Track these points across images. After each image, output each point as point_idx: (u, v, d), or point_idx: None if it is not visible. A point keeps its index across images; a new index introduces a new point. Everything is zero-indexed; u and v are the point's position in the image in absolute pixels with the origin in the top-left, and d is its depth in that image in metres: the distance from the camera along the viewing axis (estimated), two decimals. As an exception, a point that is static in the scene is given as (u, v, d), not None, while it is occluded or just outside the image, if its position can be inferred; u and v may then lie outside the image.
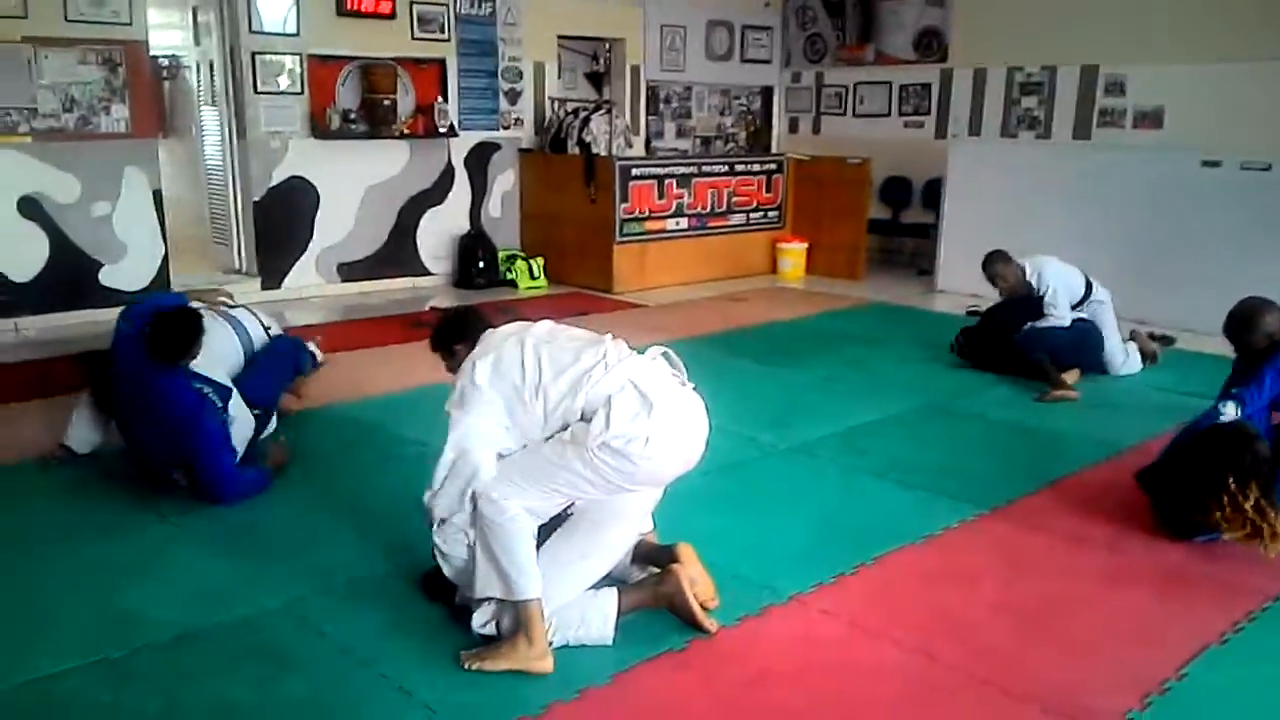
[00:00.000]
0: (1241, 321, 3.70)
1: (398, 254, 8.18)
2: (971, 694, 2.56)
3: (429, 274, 8.36)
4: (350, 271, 7.95)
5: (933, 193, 8.98)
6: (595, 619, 2.68)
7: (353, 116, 7.67)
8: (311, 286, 7.75)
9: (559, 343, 2.76)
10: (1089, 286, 5.57)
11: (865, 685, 2.59)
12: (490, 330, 2.89)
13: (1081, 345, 5.45)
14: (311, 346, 4.52)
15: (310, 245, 7.73)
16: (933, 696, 2.54)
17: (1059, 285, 5.42)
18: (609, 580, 2.82)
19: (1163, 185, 7.04)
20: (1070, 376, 5.33)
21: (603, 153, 8.34)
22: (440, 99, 8.08)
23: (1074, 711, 2.48)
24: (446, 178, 8.35)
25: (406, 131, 7.92)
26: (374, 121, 7.74)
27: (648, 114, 9.89)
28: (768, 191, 9.13)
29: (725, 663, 2.67)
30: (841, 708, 2.48)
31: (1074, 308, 5.51)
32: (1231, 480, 3.15)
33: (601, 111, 8.62)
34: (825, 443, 4.44)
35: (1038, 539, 3.49)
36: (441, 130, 8.05)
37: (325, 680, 2.57)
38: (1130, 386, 5.47)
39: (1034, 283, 5.48)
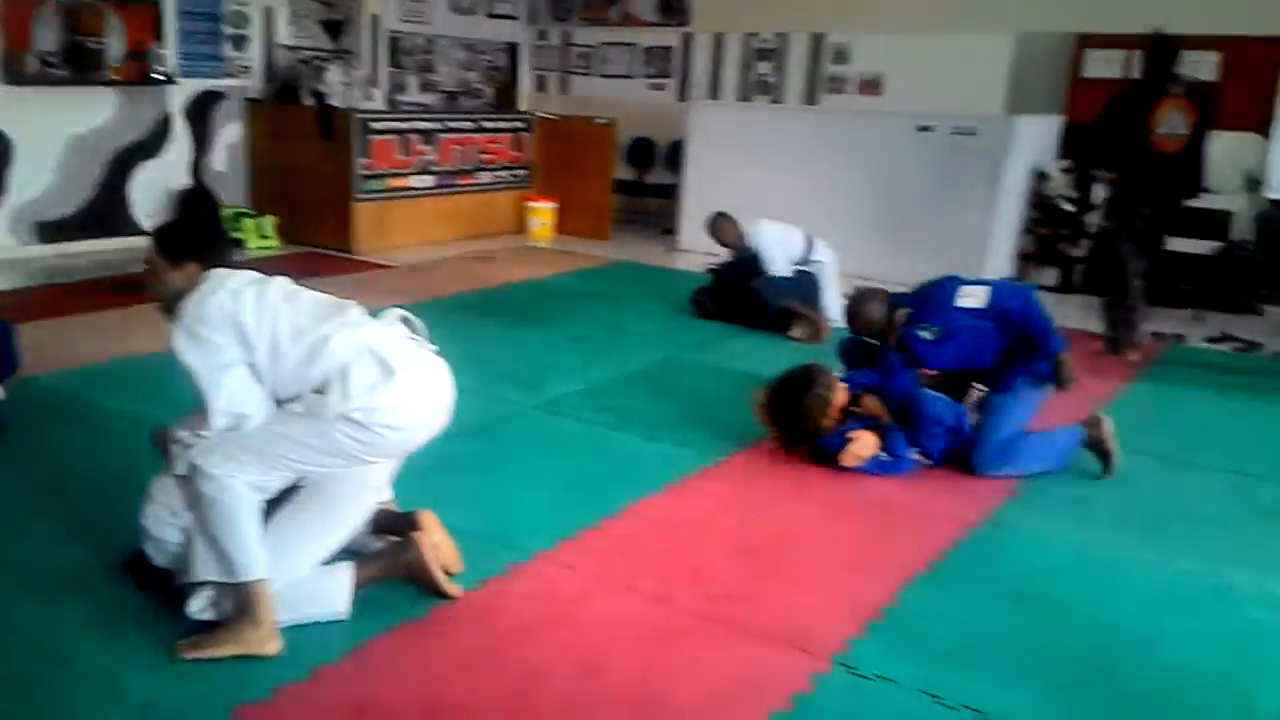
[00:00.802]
0: (849, 315, 4.06)
1: (107, 212, 7.45)
2: (707, 634, 2.64)
3: (145, 234, 7.68)
4: (51, 231, 7.17)
5: (676, 154, 9.19)
6: (328, 594, 2.56)
7: (53, 60, 6.90)
8: (4, 248, 6.94)
9: (301, 304, 2.56)
10: (810, 246, 5.93)
11: (606, 635, 2.62)
12: (224, 271, 2.58)
13: (806, 290, 5.83)
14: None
15: (1, 202, 6.92)
16: (670, 641, 2.61)
17: (771, 246, 5.84)
18: (344, 554, 2.69)
19: (883, 148, 7.51)
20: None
21: (339, 105, 7.95)
22: (155, 42, 7.41)
23: (801, 641, 2.62)
24: (162, 128, 7.68)
25: (116, 78, 7.21)
26: (79, 66, 6.99)
27: (389, 67, 9.51)
28: (516, 150, 9.04)
29: (467, 626, 2.62)
30: (584, 658, 2.50)
31: (799, 264, 5.88)
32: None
33: (338, 62, 8.20)
34: (571, 400, 4.46)
35: (767, 482, 3.66)
36: (157, 77, 7.38)
37: (26, 684, 2.31)
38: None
39: (750, 243, 5.90)
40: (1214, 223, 7.12)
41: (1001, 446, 3.70)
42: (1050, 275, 7.21)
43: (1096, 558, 3.17)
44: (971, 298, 3.79)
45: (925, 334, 3.82)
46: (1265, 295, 6.91)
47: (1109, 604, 2.89)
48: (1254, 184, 7.14)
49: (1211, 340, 6.04)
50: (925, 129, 7.35)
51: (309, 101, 7.95)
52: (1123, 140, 5.51)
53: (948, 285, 3.90)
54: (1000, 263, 7.32)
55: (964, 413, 3.80)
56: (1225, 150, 7.09)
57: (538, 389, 4.57)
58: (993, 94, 8.03)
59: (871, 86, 8.78)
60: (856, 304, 4.05)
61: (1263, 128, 7.11)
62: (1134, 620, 2.81)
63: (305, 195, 7.90)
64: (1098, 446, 3.78)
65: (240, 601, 2.43)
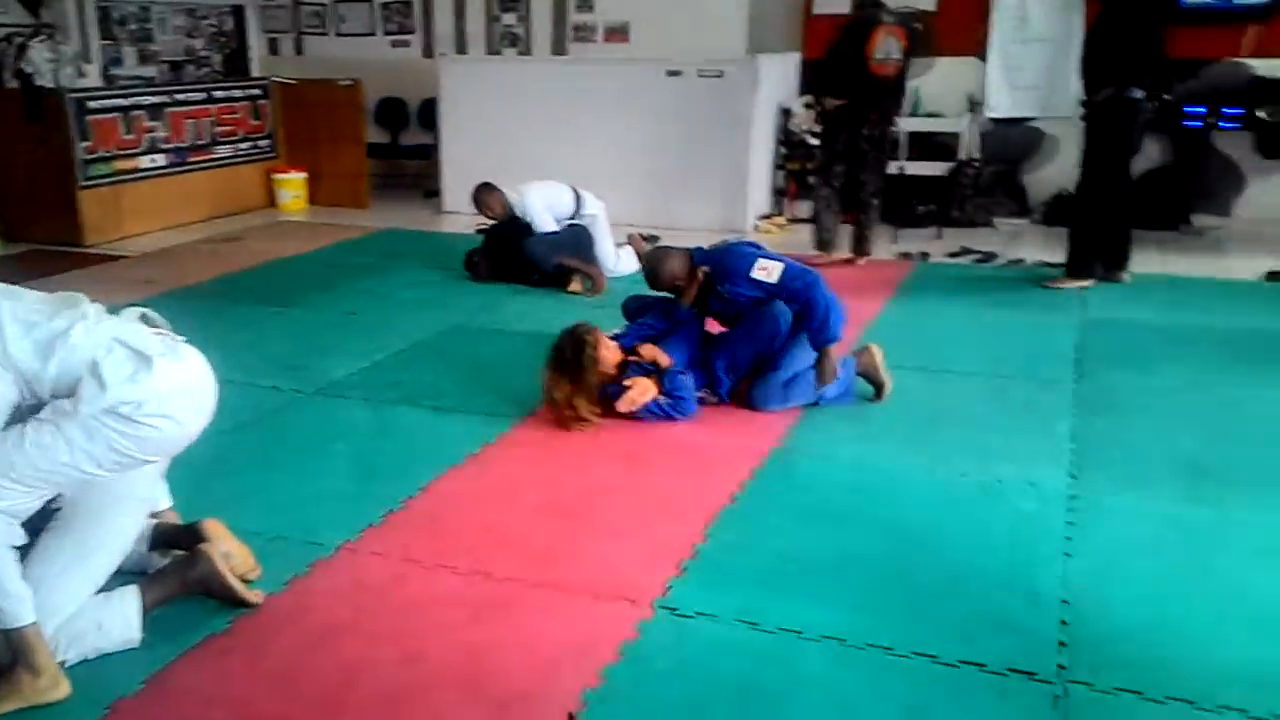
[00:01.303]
0: (648, 273, 4.08)
1: None
2: (529, 600, 2.63)
3: None
4: None
5: (429, 113, 8.93)
6: (115, 623, 2.34)
7: None
8: None
9: (25, 300, 2.25)
10: (578, 199, 5.94)
11: (425, 618, 2.56)
12: None
13: (579, 245, 5.83)
14: None
15: None
16: (493, 613, 2.57)
17: (539, 208, 5.79)
18: (127, 576, 2.48)
19: (636, 95, 7.57)
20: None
21: (49, 84, 7.19)
22: None
23: (622, 591, 2.65)
24: None
25: None
26: None
27: (101, 39, 8.67)
28: (255, 119, 8.50)
29: (274, 633, 2.49)
30: (404, 645, 2.43)
31: (569, 219, 5.89)
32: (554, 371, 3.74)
33: (41, 37, 7.40)
34: (353, 380, 4.28)
35: (567, 441, 3.66)
36: None
37: None
38: (627, 286, 5.88)
39: (518, 210, 5.83)
40: (943, 144, 7.67)
41: (783, 384, 3.85)
42: (804, 208, 7.54)
43: (879, 469, 3.38)
44: (765, 271, 3.87)
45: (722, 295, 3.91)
46: (994, 208, 7.52)
47: (896, 511, 3.09)
48: (975, 105, 7.72)
49: (952, 255, 6.52)
50: (674, 74, 7.47)
51: (13, 84, 7.14)
52: (845, 69, 5.98)
53: (747, 255, 3.96)
54: (760, 199, 7.60)
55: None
56: (947, 75, 7.65)
57: (313, 373, 4.35)
58: (735, 36, 8.23)
59: (618, 34, 8.80)
60: (657, 261, 4.05)
61: (980, 52, 7.66)
62: (920, 523, 3.01)
63: (20, 188, 7.12)
64: (869, 374, 4.00)
65: (12, 650, 2.18)
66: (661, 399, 3.79)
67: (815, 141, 7.26)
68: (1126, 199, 5.62)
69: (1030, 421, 3.77)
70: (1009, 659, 2.36)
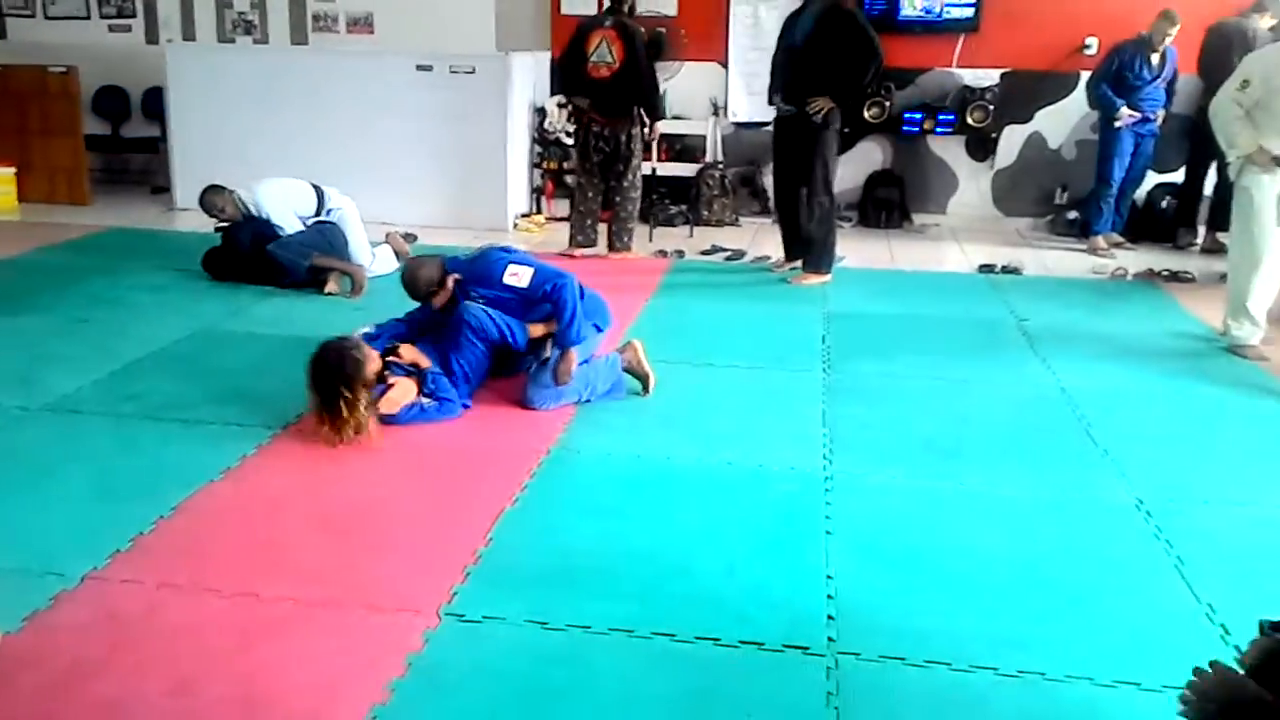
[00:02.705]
0: (406, 284, 4.06)
1: None
2: (305, 620, 2.50)
3: None
4: None
5: (154, 103, 8.30)
6: None
7: None
8: None
9: None
10: (321, 196, 5.73)
11: (191, 646, 2.38)
12: None
13: (331, 243, 5.62)
14: None
15: None
16: (266, 636, 2.43)
17: (278, 207, 5.54)
18: None
19: (385, 89, 7.35)
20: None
21: None
22: None
23: (405, 602, 2.58)
24: None
25: None
26: None
27: None
28: (-52, 108, 7.59)
29: (15, 677, 2.24)
30: (168, 678, 2.25)
31: (313, 218, 5.67)
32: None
33: None
34: (86, 394, 3.92)
35: (333, 450, 3.50)
36: None
37: None
38: (385, 285, 5.71)
39: (254, 210, 5.55)
40: (691, 147, 7.96)
41: (556, 384, 3.88)
42: (563, 207, 7.60)
43: (654, 462, 3.47)
44: (516, 277, 3.91)
45: (476, 301, 3.90)
46: (740, 208, 7.88)
47: (671, 502, 3.19)
48: (717, 109, 8.06)
49: (704, 253, 6.78)
50: (425, 68, 7.32)
51: None
52: (571, 72, 6.23)
53: (498, 261, 4.00)
54: (519, 198, 7.59)
55: (517, 326, 3.91)
56: (692, 79, 7.94)
57: (39, 388, 3.95)
58: (482, 32, 8.16)
59: (362, 25, 8.53)
60: (411, 271, 4.05)
61: (721, 58, 8.00)
62: (694, 512, 3.12)
63: None
64: (633, 369, 4.11)
65: None
66: (425, 401, 3.73)
67: (570, 141, 7.35)
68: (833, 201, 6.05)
69: (787, 409, 3.99)
70: (784, 636, 2.49)
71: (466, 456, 3.51)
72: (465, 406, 3.87)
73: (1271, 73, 4.60)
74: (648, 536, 2.96)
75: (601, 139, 6.28)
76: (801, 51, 5.76)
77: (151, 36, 8.71)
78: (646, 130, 6.43)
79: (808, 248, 6.05)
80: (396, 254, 6.04)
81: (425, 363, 3.81)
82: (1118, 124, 6.84)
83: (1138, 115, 6.82)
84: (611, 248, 6.52)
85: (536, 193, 7.89)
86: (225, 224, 5.68)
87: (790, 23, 5.93)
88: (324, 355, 3.58)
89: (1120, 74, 6.80)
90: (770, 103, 6.11)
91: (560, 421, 3.80)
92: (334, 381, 3.51)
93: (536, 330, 3.95)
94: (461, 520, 3.03)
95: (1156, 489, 3.28)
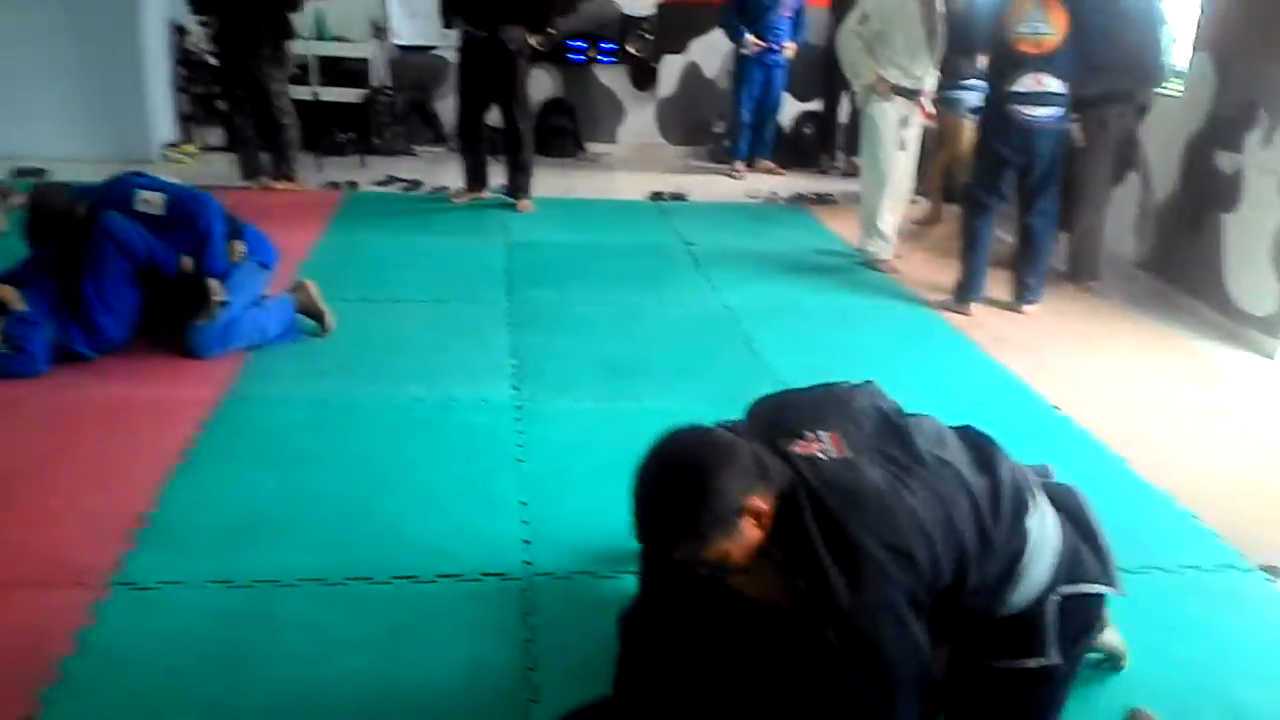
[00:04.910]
0: (32, 217, 3.62)
1: None
2: (-53, 609, 2.24)
3: None
4: None
5: None
6: None
7: None
8: None
9: None
10: None
11: None
12: None
13: None
14: None
15: None
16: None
17: None
18: None
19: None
20: None
21: None
22: None
23: (68, 575, 2.39)
24: None
25: None
26: None
27: None
28: None
29: None
30: None
31: None
32: None
33: None
34: None
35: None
36: None
37: None
38: None
39: None
40: (354, 71, 7.60)
41: (220, 328, 3.64)
42: (217, 134, 7.04)
43: (336, 405, 3.37)
44: (148, 203, 3.61)
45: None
46: (413, 136, 7.66)
47: (358, 444, 3.12)
48: (379, 31, 7.72)
49: (379, 184, 6.55)
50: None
51: None
52: None
53: (126, 185, 3.65)
54: (165, 126, 6.94)
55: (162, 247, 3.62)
56: (350, 0, 7.56)
57: None
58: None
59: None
60: (35, 199, 3.62)
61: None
62: (383, 453, 3.08)
63: None
64: (308, 309, 3.94)
65: None
66: (1, 347, 3.37)
67: (217, 63, 6.79)
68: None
69: (473, 341, 3.99)
70: (481, 565, 2.54)
71: (128, 411, 3.24)
72: (112, 342, 3.55)
73: (886, 7, 5.04)
74: (334, 482, 2.89)
75: (234, 61, 5.94)
76: None
77: None
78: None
79: (524, 174, 6.10)
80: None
81: (17, 304, 3.43)
82: (744, 52, 7.19)
83: (763, 45, 7.15)
84: (273, 178, 6.18)
85: (186, 120, 7.23)
86: None
87: None
88: None
89: (743, 5, 7.12)
90: (447, 26, 5.96)
91: (230, 369, 3.58)
92: None
93: (186, 263, 3.66)
94: (126, 481, 2.81)
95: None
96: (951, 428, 1.90)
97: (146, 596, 2.34)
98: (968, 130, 5.51)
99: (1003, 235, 5.16)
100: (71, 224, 3.54)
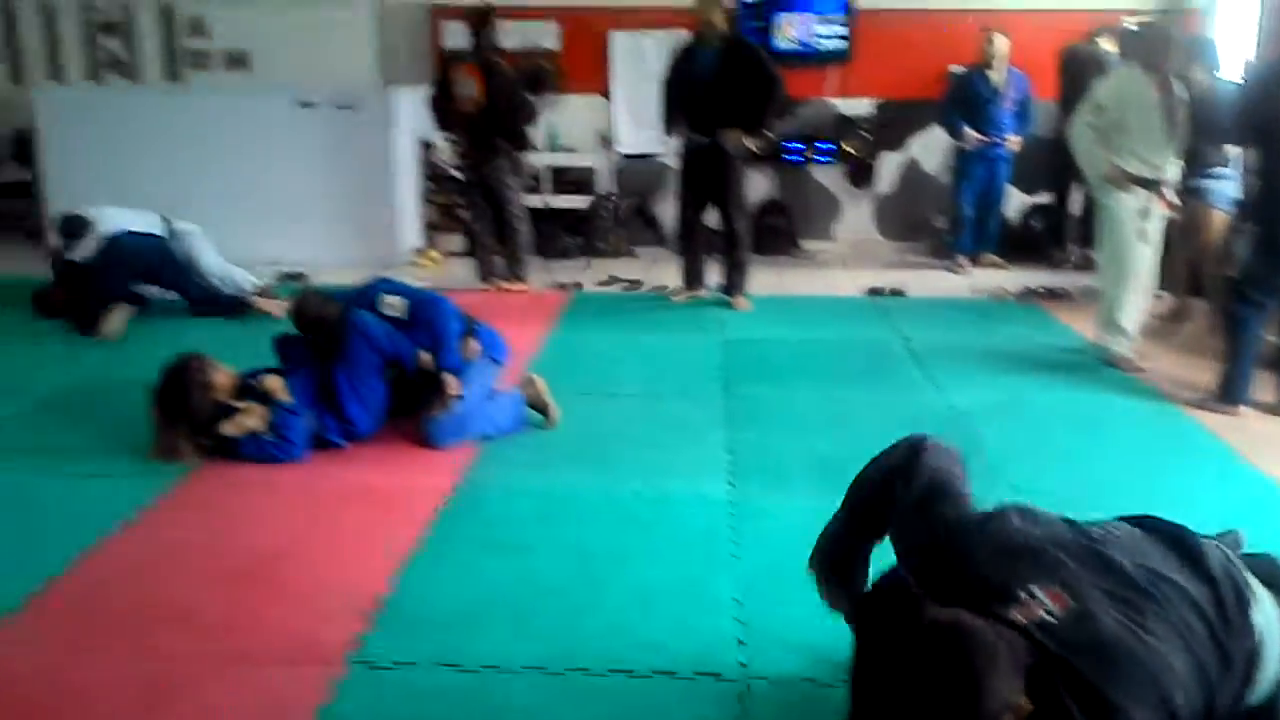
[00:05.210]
0: (296, 308, 4.05)
1: None
2: (209, 676, 2.44)
3: None
4: None
5: (23, 145, 7.96)
6: None
7: None
8: None
9: None
10: (169, 223, 5.74)
11: (93, 708, 2.30)
12: None
13: (175, 267, 5.66)
14: None
15: None
16: (172, 694, 2.36)
17: (114, 230, 5.51)
18: None
19: (265, 128, 7.19)
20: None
21: None
22: None
23: (312, 652, 2.54)
24: None
25: None
26: None
27: None
28: None
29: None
30: (69, 748, 2.17)
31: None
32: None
33: None
34: (-37, 452, 3.75)
35: (234, 497, 3.44)
36: None
37: None
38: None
39: (105, 232, 5.51)
40: (581, 179, 8.02)
41: (455, 420, 3.86)
42: (456, 241, 7.58)
43: (560, 495, 3.48)
44: (393, 308, 3.95)
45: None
46: (634, 238, 7.97)
47: (580, 535, 3.19)
48: (606, 141, 8.14)
49: (602, 284, 6.83)
50: (307, 105, 7.21)
51: None
52: (440, 106, 6.35)
53: (371, 291, 4.03)
54: (411, 234, 7.52)
55: (405, 345, 3.90)
56: (578, 112, 8.03)
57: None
58: (363, 67, 8.08)
59: (238, 63, 8.34)
60: (299, 302, 4.05)
61: (605, 91, 8.10)
62: (603, 544, 3.13)
63: None
64: (536, 403, 4.12)
65: None
66: (266, 434, 3.66)
67: (461, 175, 7.33)
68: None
69: (689, 436, 4.04)
70: (696, 663, 2.52)
71: (370, 497, 3.46)
72: (362, 433, 3.83)
73: (1123, 96, 4.88)
74: (557, 571, 2.97)
75: (475, 173, 6.39)
76: (710, 85, 5.89)
77: (16, 75, 8.37)
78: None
79: (740, 273, 6.26)
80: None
81: (283, 396, 3.74)
82: (965, 147, 7.11)
83: (985, 139, 7.04)
84: (512, 279, 6.57)
85: (431, 228, 7.83)
86: (68, 257, 5.51)
87: (685, 57, 6.04)
88: (168, 366, 3.69)
89: (963, 99, 7.09)
90: (668, 134, 6.22)
91: (464, 458, 3.78)
92: (173, 384, 3.60)
93: (425, 359, 3.92)
94: (367, 564, 2.98)
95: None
96: (1130, 520, 1.77)
97: (381, 676, 2.46)
98: (1218, 221, 5.18)
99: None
100: (326, 324, 3.89)
